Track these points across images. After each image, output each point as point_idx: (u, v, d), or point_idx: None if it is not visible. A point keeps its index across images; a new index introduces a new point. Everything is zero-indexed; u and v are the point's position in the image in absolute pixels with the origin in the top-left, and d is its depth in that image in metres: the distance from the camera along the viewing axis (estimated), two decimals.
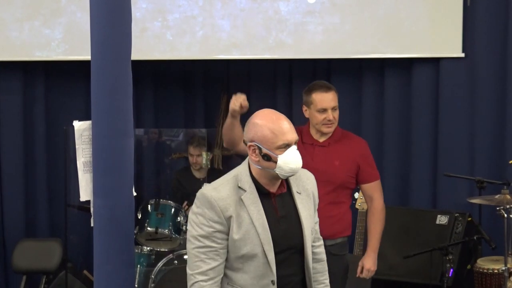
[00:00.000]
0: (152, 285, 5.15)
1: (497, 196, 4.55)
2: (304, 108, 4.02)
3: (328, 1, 5.58)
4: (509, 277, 4.53)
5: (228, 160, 6.18)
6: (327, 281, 3.07)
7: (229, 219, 2.78)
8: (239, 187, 2.82)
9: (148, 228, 5.38)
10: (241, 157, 6.30)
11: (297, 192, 2.91)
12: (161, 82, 6.21)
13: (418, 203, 5.61)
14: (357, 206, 4.51)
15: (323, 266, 3.06)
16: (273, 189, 2.87)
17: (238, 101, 3.62)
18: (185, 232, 5.31)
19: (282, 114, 2.89)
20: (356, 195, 4.51)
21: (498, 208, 4.51)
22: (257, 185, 2.84)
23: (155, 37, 5.64)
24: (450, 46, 5.53)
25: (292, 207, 2.90)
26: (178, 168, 6.16)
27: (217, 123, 6.10)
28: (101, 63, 3.22)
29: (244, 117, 6.02)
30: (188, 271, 2.82)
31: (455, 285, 4.85)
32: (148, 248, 5.46)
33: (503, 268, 4.51)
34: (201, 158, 5.78)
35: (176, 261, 5.17)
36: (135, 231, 5.23)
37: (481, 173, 5.35)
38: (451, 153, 5.57)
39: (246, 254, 2.80)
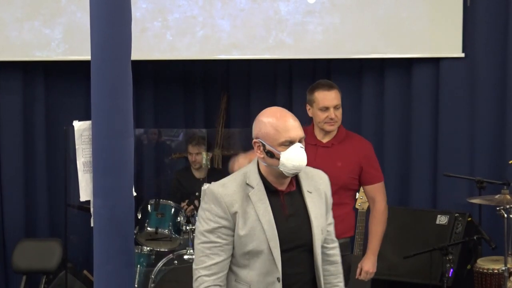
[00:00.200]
0: (152, 285, 5.15)
1: (497, 196, 4.56)
2: (308, 107, 4.04)
3: (328, 1, 5.58)
4: (509, 277, 4.53)
5: (228, 160, 6.18)
6: (341, 284, 3.04)
7: (234, 215, 2.80)
8: (247, 184, 2.84)
9: (148, 228, 5.39)
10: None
11: (308, 191, 2.90)
12: (161, 82, 6.21)
13: (418, 203, 5.61)
14: (357, 206, 4.51)
15: (337, 269, 3.04)
16: (282, 187, 2.87)
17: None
18: (185, 232, 5.35)
19: (288, 112, 2.89)
20: (356, 195, 4.52)
21: (498, 208, 4.52)
22: (265, 183, 2.85)
23: (155, 37, 5.64)
24: (450, 46, 5.53)
25: (302, 206, 2.89)
26: (178, 168, 6.17)
27: (217, 123, 6.11)
28: (101, 63, 3.22)
29: (249, 117, 6.08)
30: (193, 265, 2.86)
31: (455, 285, 4.85)
32: (148, 248, 5.46)
33: (503, 268, 4.51)
34: (200, 156, 5.78)
35: (176, 261, 5.17)
36: (135, 231, 5.23)
37: (481, 173, 5.35)
38: (451, 153, 5.57)
39: (252, 251, 2.81)
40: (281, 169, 2.80)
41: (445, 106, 5.58)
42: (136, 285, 5.24)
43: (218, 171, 5.92)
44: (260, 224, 2.80)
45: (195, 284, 2.84)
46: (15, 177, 5.82)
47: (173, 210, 5.45)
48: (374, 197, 4.06)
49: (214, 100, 6.19)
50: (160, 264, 5.20)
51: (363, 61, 5.77)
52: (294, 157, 2.79)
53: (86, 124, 3.53)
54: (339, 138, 4.03)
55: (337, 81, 5.83)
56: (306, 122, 4.09)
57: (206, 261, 2.81)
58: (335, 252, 3.04)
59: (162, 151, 6.26)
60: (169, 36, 5.65)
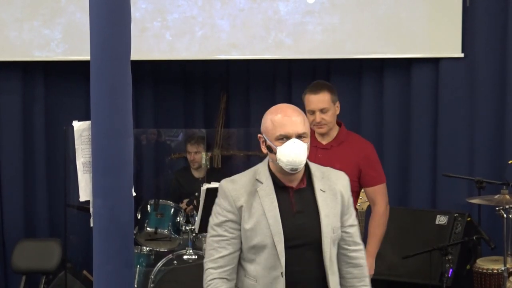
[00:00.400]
0: (152, 285, 5.15)
1: (496, 196, 4.57)
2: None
3: (327, 1, 5.58)
4: (509, 277, 4.54)
5: (227, 160, 6.20)
6: (359, 285, 3.00)
7: (240, 208, 2.85)
8: (257, 179, 2.89)
9: (148, 228, 5.39)
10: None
11: (321, 190, 2.91)
12: (161, 82, 6.21)
13: (417, 203, 5.62)
14: (356, 207, 4.51)
15: (361, 272, 3.00)
16: (292, 183, 2.90)
17: None
18: (185, 232, 5.35)
19: (292, 108, 2.92)
20: None
21: (497, 208, 4.53)
22: (274, 179, 2.89)
23: (155, 37, 5.64)
24: (450, 46, 5.53)
25: (312, 204, 2.90)
26: (178, 168, 6.17)
27: (217, 123, 6.12)
28: (101, 63, 3.22)
29: (248, 118, 6.09)
30: (204, 259, 2.93)
31: (455, 285, 4.84)
32: (147, 248, 5.46)
33: (503, 268, 4.52)
34: (199, 155, 5.78)
35: (175, 261, 5.16)
36: (135, 231, 5.24)
37: (481, 173, 5.36)
38: (451, 153, 5.57)
39: (257, 245, 2.84)
40: (280, 164, 2.83)
41: (444, 106, 5.58)
42: (136, 285, 5.25)
43: (218, 171, 5.93)
44: (266, 218, 2.83)
45: (204, 277, 2.91)
46: (14, 177, 5.82)
47: (172, 210, 5.45)
48: (374, 199, 4.05)
49: (213, 100, 6.20)
50: (159, 264, 5.19)
51: (362, 61, 5.77)
52: (288, 152, 2.81)
53: (86, 124, 3.52)
54: (339, 140, 4.02)
55: (337, 81, 5.86)
56: None
57: (213, 254, 2.87)
58: (358, 255, 3.00)
59: (162, 151, 6.26)
60: (168, 36, 5.65)
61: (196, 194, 5.30)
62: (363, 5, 5.56)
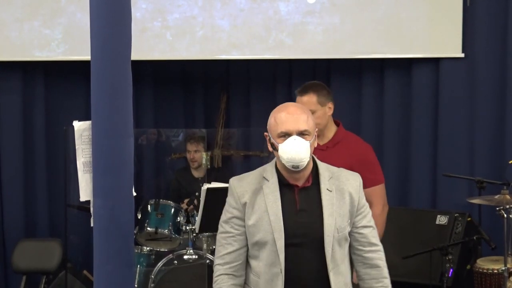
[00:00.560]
0: (152, 285, 5.15)
1: (496, 196, 4.57)
2: None
3: (328, 1, 5.58)
4: (509, 277, 4.54)
5: (227, 160, 6.20)
6: (378, 286, 2.97)
7: (244, 205, 2.89)
8: (264, 177, 2.93)
9: (148, 228, 5.38)
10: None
11: (328, 190, 2.92)
12: (161, 82, 6.21)
13: (418, 203, 5.62)
14: None
15: (379, 272, 2.97)
16: (297, 182, 2.92)
17: None
18: (185, 232, 5.33)
19: (296, 105, 2.96)
20: None
21: (497, 208, 4.53)
22: (280, 177, 2.92)
23: (155, 37, 5.65)
24: (450, 46, 5.54)
25: (317, 203, 2.91)
26: (178, 168, 6.17)
27: (217, 123, 6.12)
28: (101, 63, 3.22)
29: (249, 117, 6.08)
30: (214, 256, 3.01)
31: (455, 285, 4.85)
32: (148, 248, 5.45)
33: (503, 268, 4.52)
34: (198, 154, 5.78)
35: (176, 261, 5.16)
36: (135, 231, 5.24)
37: (481, 173, 5.36)
38: (451, 153, 5.58)
39: (259, 241, 2.88)
40: (282, 161, 2.86)
41: (445, 106, 5.58)
42: (136, 285, 5.24)
43: (218, 171, 5.94)
44: (268, 215, 2.86)
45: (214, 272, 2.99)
46: (15, 177, 5.83)
47: (173, 210, 5.44)
48: (370, 201, 4.01)
49: (213, 100, 6.21)
50: (160, 264, 5.19)
51: (363, 61, 5.78)
52: (288, 150, 2.83)
53: (86, 124, 3.50)
54: (335, 141, 3.99)
55: (337, 81, 5.88)
56: None
57: (221, 251, 2.94)
58: (375, 256, 2.98)
59: (162, 151, 6.26)
60: (169, 36, 5.66)
61: (197, 194, 5.31)
62: (364, 5, 5.56)
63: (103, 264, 3.28)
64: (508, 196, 4.51)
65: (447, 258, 4.60)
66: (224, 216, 2.96)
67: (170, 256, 5.21)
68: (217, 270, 2.95)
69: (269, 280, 2.89)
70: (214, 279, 2.96)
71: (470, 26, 5.52)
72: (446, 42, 5.55)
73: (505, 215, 4.48)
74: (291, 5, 5.59)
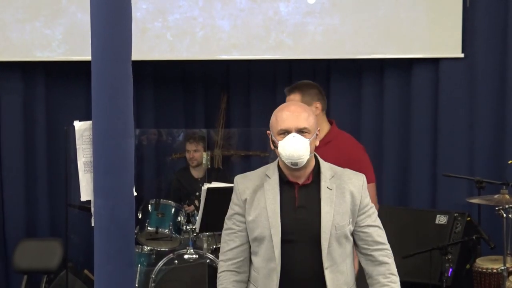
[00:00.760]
0: (153, 284, 5.16)
1: (496, 196, 4.59)
2: None
3: (328, 1, 5.59)
4: (508, 276, 4.55)
5: (228, 160, 6.21)
6: (394, 285, 2.98)
7: (244, 201, 2.95)
8: (266, 174, 2.98)
9: (149, 228, 5.40)
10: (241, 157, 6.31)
11: (328, 188, 2.94)
12: (162, 82, 6.22)
13: (417, 203, 5.63)
14: None
15: (386, 268, 2.97)
16: (298, 179, 2.95)
17: None
18: (185, 232, 5.35)
19: (297, 104, 3.01)
20: None
21: (497, 208, 4.55)
22: (281, 174, 2.96)
23: (156, 38, 5.66)
24: (450, 47, 5.55)
25: (316, 200, 2.93)
26: (178, 168, 6.18)
27: (217, 123, 6.13)
28: (102, 64, 3.22)
29: (249, 118, 6.09)
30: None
31: (454, 285, 4.85)
32: (148, 248, 5.47)
33: (502, 268, 4.54)
34: (198, 153, 5.80)
35: (176, 261, 5.17)
36: (136, 231, 5.26)
37: (480, 173, 5.38)
38: (451, 153, 5.59)
39: (257, 237, 2.92)
40: (282, 159, 2.90)
41: (444, 106, 5.60)
42: (136, 285, 5.24)
43: (218, 171, 5.95)
44: (266, 211, 2.90)
45: None
46: (16, 177, 5.83)
47: (173, 210, 5.46)
48: None
49: (214, 100, 6.22)
50: (160, 263, 5.20)
51: (362, 62, 5.79)
52: (286, 147, 2.86)
53: (87, 124, 3.50)
54: (326, 140, 3.96)
55: (337, 81, 5.89)
56: None
57: (224, 247, 3.00)
58: (382, 253, 2.97)
59: (163, 151, 6.28)
60: (169, 36, 5.67)
61: (197, 194, 5.32)
62: (363, 6, 5.57)
63: (103, 264, 3.28)
64: (507, 196, 4.53)
65: (446, 257, 4.61)
66: (228, 213, 3.02)
67: (171, 255, 5.22)
68: (221, 266, 3.01)
69: (266, 275, 2.92)
70: (218, 275, 3.01)
71: (469, 26, 5.53)
72: (445, 42, 5.56)
73: (504, 215, 4.50)
74: (291, 5, 5.60)
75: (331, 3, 5.59)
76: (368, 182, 3.98)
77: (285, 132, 2.88)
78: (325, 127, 4.03)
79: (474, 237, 4.77)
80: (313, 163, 2.97)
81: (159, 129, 6.25)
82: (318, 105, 3.98)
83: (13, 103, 5.83)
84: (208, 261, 5.04)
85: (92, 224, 3.38)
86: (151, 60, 5.86)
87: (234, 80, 6.22)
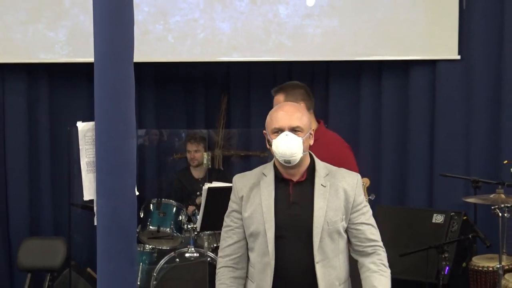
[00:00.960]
0: (154, 282, 5.17)
1: (492, 196, 4.61)
2: None
3: (326, 4, 5.60)
4: (504, 274, 4.56)
5: (228, 160, 6.23)
6: (384, 273, 3.01)
7: (241, 198, 3.02)
8: (263, 173, 3.05)
9: (150, 227, 5.41)
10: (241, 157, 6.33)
11: (322, 185, 3.00)
12: (163, 83, 6.23)
13: (415, 202, 5.65)
14: None
15: (378, 258, 3.01)
16: (293, 177, 3.01)
17: None
18: (186, 230, 5.36)
19: (291, 104, 3.08)
20: None
21: (493, 207, 4.58)
22: (277, 172, 3.03)
23: (157, 40, 5.67)
24: (446, 49, 5.56)
25: (309, 197, 2.99)
26: (179, 168, 6.19)
27: (218, 124, 6.14)
28: (104, 65, 3.22)
29: (249, 118, 6.10)
30: None
31: (451, 283, 4.85)
32: (150, 246, 5.48)
33: (498, 266, 4.56)
34: (198, 154, 5.81)
35: (177, 259, 5.19)
36: (138, 230, 5.26)
37: (477, 173, 5.39)
38: (447, 153, 5.60)
39: (253, 232, 2.99)
40: (276, 157, 2.97)
41: (441, 107, 5.61)
42: (138, 283, 5.26)
43: (218, 171, 5.96)
44: (261, 207, 2.97)
45: None
46: (20, 177, 5.85)
47: (174, 209, 5.46)
48: None
49: (214, 101, 6.24)
50: (162, 262, 5.21)
51: (361, 63, 5.80)
52: (280, 145, 2.94)
53: (90, 125, 3.53)
54: (313, 138, 4.00)
55: (336, 82, 5.89)
56: None
57: (222, 244, 3.07)
58: (374, 248, 3.02)
59: (164, 151, 6.29)
60: (170, 38, 5.68)
61: (198, 193, 5.35)
62: (362, 8, 5.59)
63: (106, 262, 3.28)
64: (502, 195, 4.55)
65: (443, 256, 4.63)
66: (227, 211, 3.09)
67: (172, 254, 5.24)
68: (219, 262, 3.08)
69: (261, 269, 2.98)
70: (216, 271, 3.08)
71: (466, 28, 5.54)
72: (442, 44, 5.57)
73: (500, 214, 4.52)
74: (290, 8, 5.62)
75: (329, 6, 5.60)
76: None
77: (279, 131, 2.95)
78: (313, 126, 4.06)
79: (470, 236, 4.79)
80: (307, 161, 3.04)
81: (160, 129, 6.26)
82: (303, 105, 3.99)
83: (17, 104, 5.85)
84: (208, 259, 5.05)
85: (95, 223, 3.38)
86: (152, 62, 5.87)
87: (234, 81, 6.23)
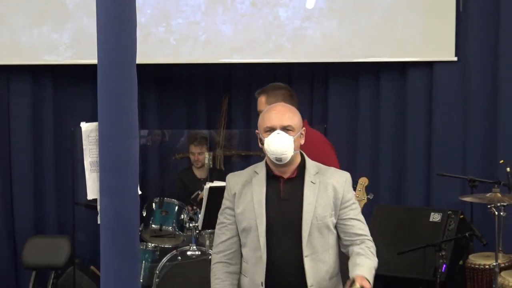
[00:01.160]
0: (157, 280, 5.18)
1: (488, 195, 4.64)
2: None
3: (326, 7, 5.63)
4: (500, 272, 4.59)
5: (229, 160, 6.26)
6: (368, 262, 3.01)
7: (234, 195, 3.09)
8: (255, 171, 3.12)
9: (153, 226, 5.42)
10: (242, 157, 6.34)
11: (311, 182, 3.08)
12: (165, 85, 6.25)
13: (412, 201, 5.66)
14: None
15: (365, 251, 3.02)
16: (284, 174, 3.08)
17: None
18: (188, 229, 5.36)
19: (283, 105, 3.15)
20: None
21: (489, 206, 4.61)
22: (268, 170, 3.10)
23: (159, 42, 5.70)
24: (443, 50, 5.58)
25: (299, 193, 3.07)
26: (181, 168, 6.21)
27: (219, 125, 6.15)
28: (107, 67, 3.22)
29: (249, 119, 6.12)
30: None
31: (448, 280, 4.86)
32: (152, 245, 5.49)
33: (494, 264, 4.58)
34: (202, 156, 5.83)
35: (179, 257, 5.20)
36: (140, 228, 5.27)
37: (473, 172, 5.41)
38: (444, 153, 5.61)
39: (245, 228, 3.06)
40: (267, 155, 3.04)
41: (438, 108, 5.62)
42: (141, 280, 5.26)
43: (219, 171, 5.96)
44: (253, 203, 3.04)
45: None
46: (24, 176, 5.87)
47: (176, 208, 5.47)
48: None
49: (215, 102, 6.25)
50: (164, 260, 5.22)
51: (359, 65, 5.82)
52: (271, 143, 3.01)
53: (93, 125, 3.55)
54: None
55: (334, 84, 5.88)
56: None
57: (216, 240, 3.15)
58: (364, 243, 3.05)
59: (166, 151, 6.31)
60: (172, 40, 5.71)
61: (199, 192, 5.41)
62: (360, 11, 5.61)
63: (109, 260, 3.29)
64: (499, 194, 4.58)
65: (440, 254, 4.62)
66: (221, 208, 3.16)
67: (174, 252, 5.25)
68: (213, 259, 3.15)
69: (254, 264, 3.06)
70: (211, 267, 3.15)
71: (462, 30, 5.56)
72: (439, 46, 5.59)
73: (496, 213, 4.55)
74: (290, 10, 5.64)
75: (329, 9, 5.63)
76: None
77: (271, 130, 3.02)
78: None
79: (467, 234, 4.79)
80: (298, 160, 3.11)
81: (162, 130, 6.28)
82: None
83: (22, 104, 5.87)
84: (210, 257, 5.00)
85: (98, 222, 3.41)
86: (155, 64, 5.90)
87: (235, 83, 6.24)
